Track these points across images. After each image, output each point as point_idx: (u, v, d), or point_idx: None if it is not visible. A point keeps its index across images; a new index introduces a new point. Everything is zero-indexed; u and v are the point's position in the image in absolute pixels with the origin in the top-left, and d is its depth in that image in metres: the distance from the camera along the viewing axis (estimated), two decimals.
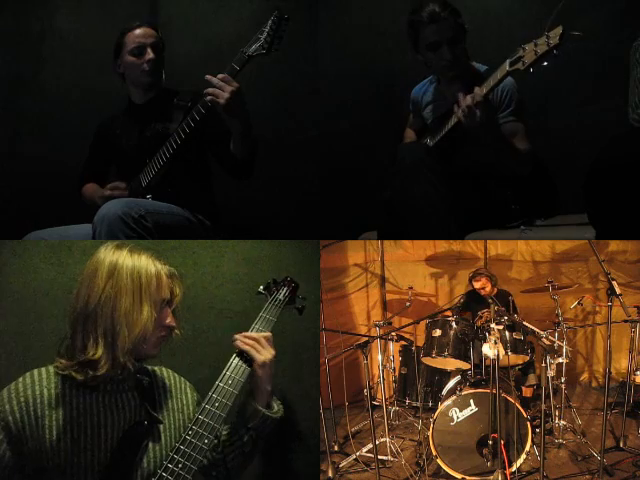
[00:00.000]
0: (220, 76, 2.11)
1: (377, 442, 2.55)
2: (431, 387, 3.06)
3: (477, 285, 3.19)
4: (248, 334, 1.45)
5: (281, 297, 1.65)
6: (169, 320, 1.36)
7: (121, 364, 1.28)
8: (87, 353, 1.26)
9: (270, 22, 2.11)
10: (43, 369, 1.32)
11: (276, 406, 1.47)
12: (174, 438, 1.36)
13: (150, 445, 1.32)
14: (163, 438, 1.35)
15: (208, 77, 2.11)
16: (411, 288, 3.23)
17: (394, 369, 3.24)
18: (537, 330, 2.60)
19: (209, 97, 2.10)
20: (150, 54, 2.41)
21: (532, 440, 2.46)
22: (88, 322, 1.28)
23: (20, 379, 1.29)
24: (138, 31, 2.43)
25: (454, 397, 2.52)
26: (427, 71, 2.65)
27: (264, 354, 1.41)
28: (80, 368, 1.27)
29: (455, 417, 2.50)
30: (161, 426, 1.36)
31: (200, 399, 1.44)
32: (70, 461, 1.24)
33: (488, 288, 3.17)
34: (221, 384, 1.36)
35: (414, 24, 2.40)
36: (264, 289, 1.70)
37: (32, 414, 1.24)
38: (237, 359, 1.41)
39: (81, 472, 1.24)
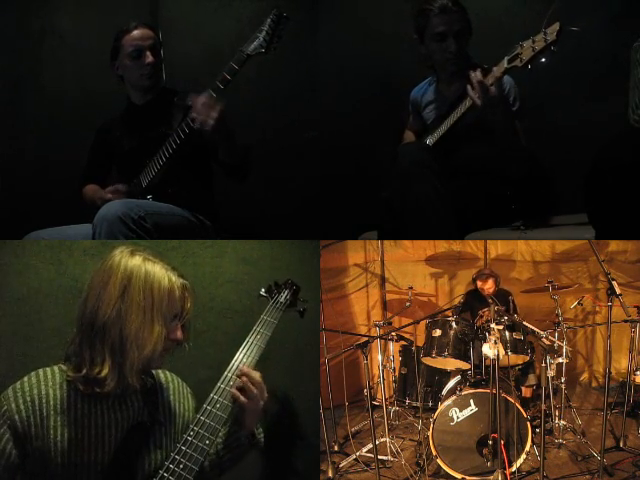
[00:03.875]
0: (204, 98, 2.11)
1: (377, 442, 2.55)
2: (431, 387, 3.06)
3: (482, 285, 3.19)
4: (246, 374, 1.40)
5: (282, 300, 1.65)
6: (178, 335, 1.33)
7: (127, 382, 1.27)
8: (94, 369, 1.26)
9: (269, 21, 2.10)
10: (48, 369, 1.31)
11: (257, 433, 1.47)
12: (174, 441, 1.36)
13: (152, 446, 1.32)
14: (164, 440, 1.35)
15: (193, 98, 2.11)
16: (411, 288, 3.23)
17: (394, 369, 3.24)
18: (537, 330, 2.60)
19: (197, 124, 2.11)
20: (149, 57, 2.37)
21: (532, 440, 2.46)
22: (96, 337, 1.26)
23: (25, 378, 1.29)
24: (135, 33, 2.39)
25: (454, 397, 2.52)
26: (427, 70, 2.66)
27: (256, 400, 1.39)
28: (86, 381, 1.27)
29: (455, 417, 2.50)
30: (162, 428, 1.36)
31: (198, 406, 1.43)
32: (73, 461, 1.24)
33: (492, 289, 3.18)
34: (222, 386, 1.36)
35: (424, 12, 2.42)
36: (266, 292, 1.70)
37: (37, 413, 1.24)
38: (237, 362, 1.42)
39: (84, 472, 1.25)
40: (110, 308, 1.26)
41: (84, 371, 1.26)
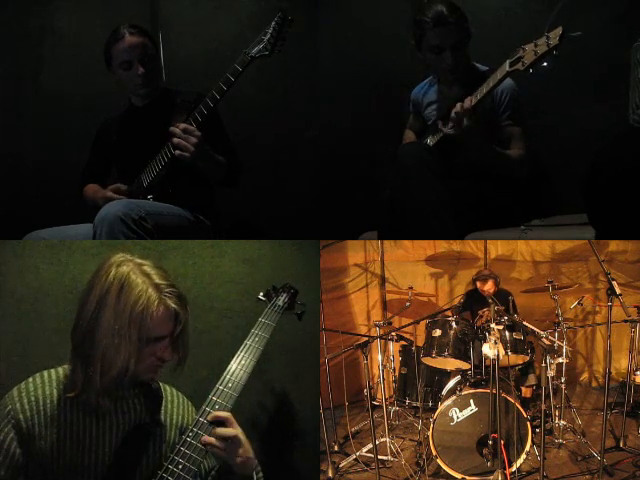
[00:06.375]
0: (182, 127, 2.16)
1: (377, 442, 2.55)
2: (431, 387, 3.06)
3: (482, 286, 3.19)
4: (219, 432, 1.27)
5: (280, 303, 1.67)
6: (165, 355, 1.29)
7: (91, 402, 1.26)
8: (68, 384, 1.27)
9: (273, 23, 2.09)
10: (53, 370, 1.33)
11: (255, 477, 1.36)
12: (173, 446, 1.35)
13: (151, 448, 1.33)
14: (164, 444, 1.35)
15: (172, 129, 2.17)
16: (411, 288, 3.22)
17: (394, 369, 3.24)
18: (537, 330, 2.60)
19: (177, 152, 2.16)
20: (140, 69, 2.35)
21: (532, 440, 2.46)
22: (73, 351, 1.27)
23: (30, 379, 1.30)
24: (124, 42, 2.34)
25: (454, 397, 2.52)
26: (428, 71, 2.66)
27: (240, 455, 1.27)
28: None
29: (455, 417, 2.50)
30: (163, 430, 1.36)
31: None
32: (74, 461, 1.25)
33: (492, 289, 3.18)
34: (221, 387, 1.36)
35: (419, 24, 2.38)
36: (264, 296, 1.71)
37: (42, 413, 1.25)
38: (236, 364, 1.42)
39: (84, 472, 1.26)
40: (85, 323, 1.24)
41: (67, 382, 1.29)
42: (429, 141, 2.52)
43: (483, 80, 2.23)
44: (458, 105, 2.19)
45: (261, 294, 1.71)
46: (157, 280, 1.27)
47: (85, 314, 1.25)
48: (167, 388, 1.46)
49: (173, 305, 1.26)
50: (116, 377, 1.25)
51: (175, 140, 2.15)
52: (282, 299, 1.69)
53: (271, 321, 1.57)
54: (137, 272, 1.26)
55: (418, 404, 2.99)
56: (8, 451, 1.22)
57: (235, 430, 1.27)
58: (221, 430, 1.26)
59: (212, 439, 1.25)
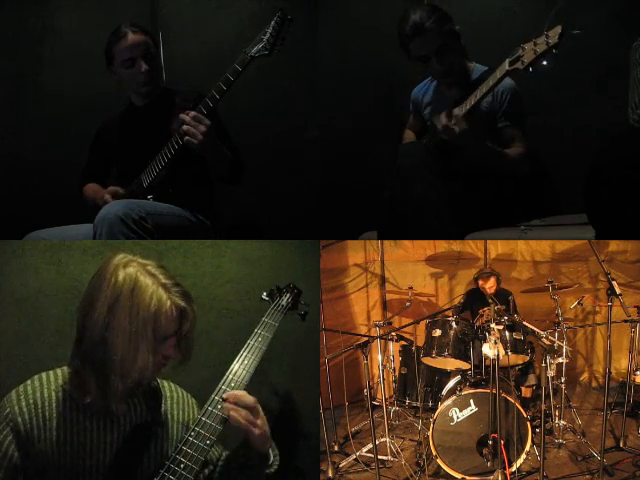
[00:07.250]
0: (192, 114, 2.14)
1: (377, 442, 2.55)
2: (431, 387, 3.06)
3: (484, 284, 3.19)
4: (239, 397, 1.30)
5: (284, 303, 1.67)
6: (170, 352, 1.30)
7: (110, 408, 1.26)
8: (79, 390, 1.27)
9: (273, 23, 2.09)
10: (51, 372, 1.32)
11: (272, 456, 1.39)
12: (175, 446, 1.35)
13: (153, 446, 1.32)
14: (165, 444, 1.35)
15: (181, 116, 2.16)
16: (411, 288, 3.22)
17: (394, 369, 3.24)
18: (537, 330, 2.60)
19: (186, 138, 2.15)
20: (143, 66, 2.35)
21: (532, 440, 2.46)
22: (84, 356, 1.26)
23: (29, 381, 1.30)
24: (127, 40, 2.34)
25: (454, 397, 2.52)
26: (427, 71, 2.65)
27: (260, 426, 1.29)
28: (72, 395, 1.28)
29: (455, 417, 2.50)
30: (164, 430, 1.36)
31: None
32: (75, 462, 1.25)
33: (494, 287, 3.17)
34: (224, 387, 1.36)
35: (401, 38, 2.40)
36: (267, 295, 1.71)
37: (40, 415, 1.25)
38: (238, 364, 1.42)
39: (86, 473, 1.25)
40: (95, 329, 1.23)
41: (73, 387, 1.28)
42: (429, 141, 2.52)
43: (481, 79, 2.23)
44: (443, 116, 2.20)
45: (264, 294, 1.71)
46: (163, 280, 1.28)
47: (95, 319, 1.23)
48: (165, 384, 1.46)
49: (182, 303, 1.28)
50: (136, 380, 1.25)
51: (184, 127, 2.14)
52: (286, 299, 1.69)
53: (274, 321, 1.57)
54: (144, 273, 1.27)
55: (418, 404, 2.99)
56: (6, 453, 1.22)
57: (254, 398, 1.29)
58: (242, 397, 1.28)
59: (234, 407, 1.26)
